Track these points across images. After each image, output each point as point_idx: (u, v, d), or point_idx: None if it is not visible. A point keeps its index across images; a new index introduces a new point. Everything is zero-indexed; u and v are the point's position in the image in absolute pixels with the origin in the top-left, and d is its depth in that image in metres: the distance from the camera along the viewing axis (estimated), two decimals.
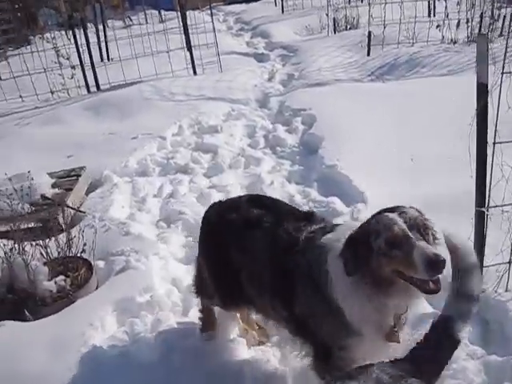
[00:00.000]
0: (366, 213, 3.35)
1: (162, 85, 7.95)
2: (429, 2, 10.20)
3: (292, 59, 9.33)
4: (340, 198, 4.19)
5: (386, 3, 8.37)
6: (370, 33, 8.51)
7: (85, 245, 3.50)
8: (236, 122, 6.46)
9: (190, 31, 9.35)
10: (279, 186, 4.57)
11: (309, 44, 9.99)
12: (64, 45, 8.82)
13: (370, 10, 8.49)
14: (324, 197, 4.27)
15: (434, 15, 10.17)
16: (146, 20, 16.48)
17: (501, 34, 8.53)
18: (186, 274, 3.53)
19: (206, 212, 2.83)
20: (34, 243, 3.44)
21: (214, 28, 8.95)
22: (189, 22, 9.46)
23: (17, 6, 14.96)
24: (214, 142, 5.76)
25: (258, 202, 2.65)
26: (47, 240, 3.55)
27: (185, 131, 6.27)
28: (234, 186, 4.72)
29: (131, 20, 17.35)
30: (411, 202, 2.15)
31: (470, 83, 2.81)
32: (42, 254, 3.44)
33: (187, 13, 9.76)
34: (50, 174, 4.90)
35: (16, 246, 3.36)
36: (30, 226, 3.89)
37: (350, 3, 12.73)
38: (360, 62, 8.31)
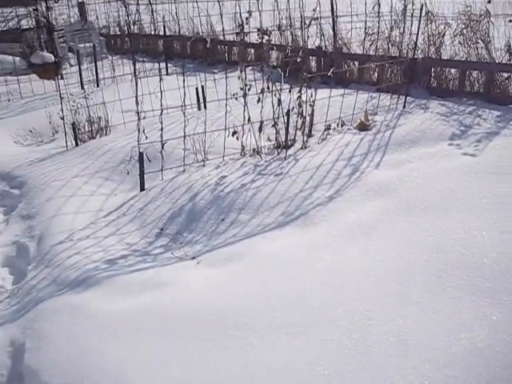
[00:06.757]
0: None
1: None
2: (197, 92, 7.66)
3: (19, 205, 5.71)
4: None
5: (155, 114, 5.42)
6: (141, 155, 5.49)
7: None
8: None
9: None
10: None
11: (42, 170, 6.47)
12: None
13: (139, 117, 5.48)
14: None
15: (205, 107, 7.69)
16: None
17: (310, 135, 6.39)
18: None
19: None
20: None
21: None
22: None
23: None
24: None
25: None
26: None
27: None
28: None
29: None
30: None
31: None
32: None
33: None
34: None
35: None
36: None
37: (85, 91, 9.55)
38: (135, 208, 5.21)
